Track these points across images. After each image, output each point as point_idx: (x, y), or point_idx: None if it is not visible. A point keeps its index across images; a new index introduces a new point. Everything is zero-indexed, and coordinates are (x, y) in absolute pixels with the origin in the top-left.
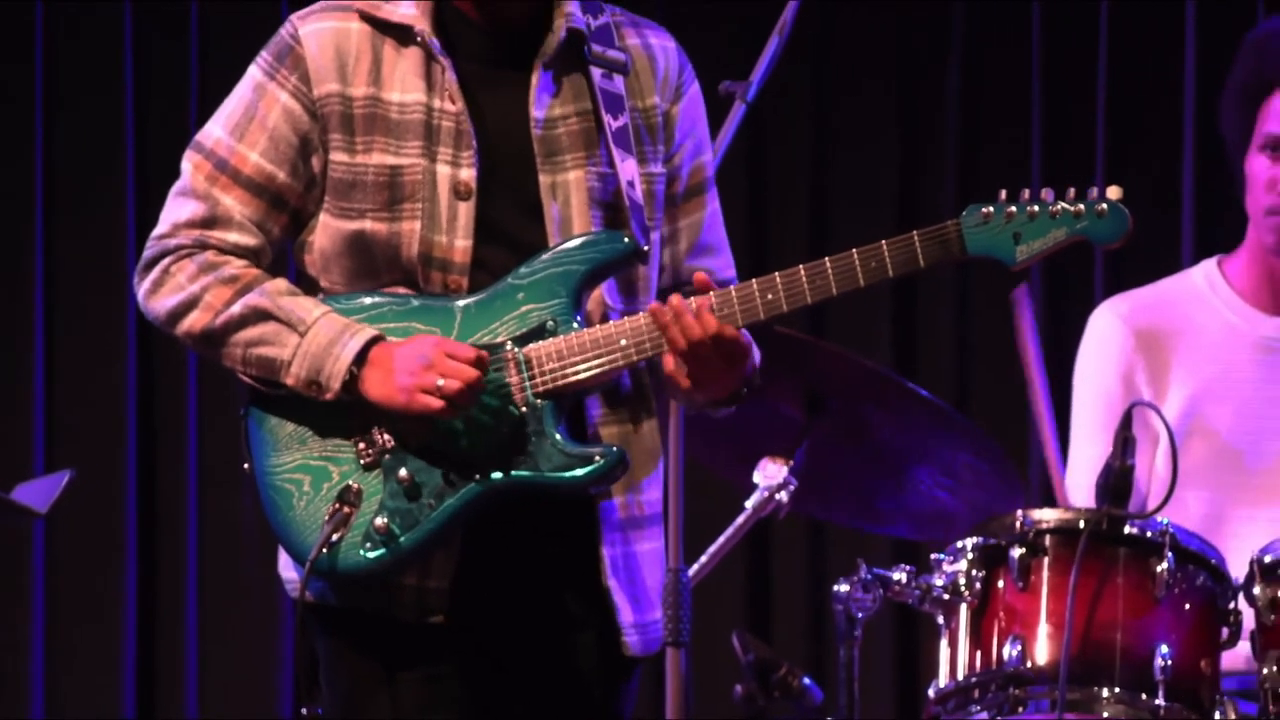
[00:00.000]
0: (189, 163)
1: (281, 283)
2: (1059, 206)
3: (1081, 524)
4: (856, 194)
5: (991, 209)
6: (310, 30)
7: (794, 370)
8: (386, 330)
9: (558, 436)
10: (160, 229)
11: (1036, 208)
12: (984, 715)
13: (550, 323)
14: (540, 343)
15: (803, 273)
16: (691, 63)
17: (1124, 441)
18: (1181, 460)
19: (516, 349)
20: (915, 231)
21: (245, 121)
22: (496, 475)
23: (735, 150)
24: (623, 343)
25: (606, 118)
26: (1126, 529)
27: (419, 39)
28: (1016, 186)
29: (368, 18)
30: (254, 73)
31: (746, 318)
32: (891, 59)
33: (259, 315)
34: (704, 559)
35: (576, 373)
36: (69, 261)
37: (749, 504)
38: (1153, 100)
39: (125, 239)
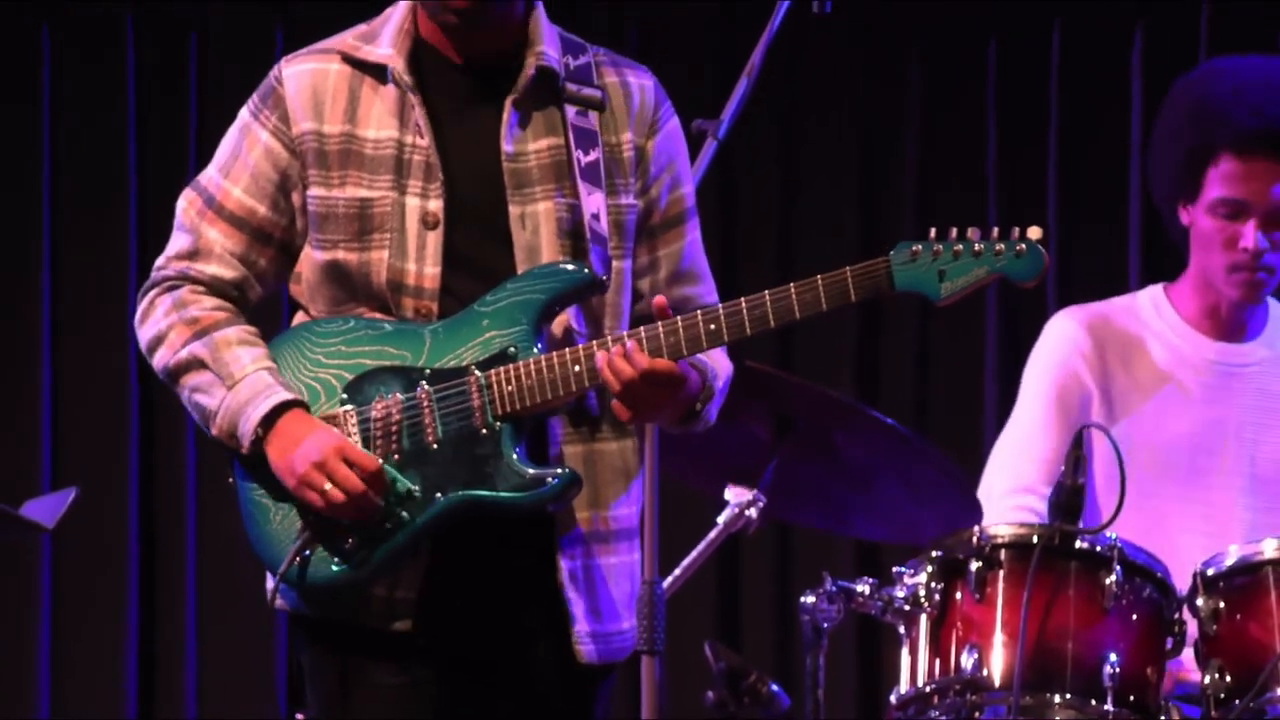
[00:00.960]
0: (184, 199)
1: (235, 332)
2: (981, 246)
3: (1035, 539)
4: (820, 225)
5: (920, 247)
6: (291, 72)
7: (764, 398)
8: (359, 354)
9: (515, 458)
10: (159, 260)
11: (960, 247)
12: (943, 719)
13: (512, 349)
14: (502, 367)
15: (744, 305)
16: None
17: (1075, 461)
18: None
19: (479, 373)
20: (848, 268)
21: (232, 160)
22: (458, 494)
23: (707, 184)
24: (576, 369)
25: (577, 152)
26: (1077, 544)
27: (393, 77)
28: (975, 221)
29: (348, 59)
30: (243, 114)
31: (691, 347)
32: (854, 100)
33: (199, 364)
34: (678, 572)
35: (534, 396)
36: (73, 285)
37: (721, 520)
38: (1100, 140)
39: (128, 265)
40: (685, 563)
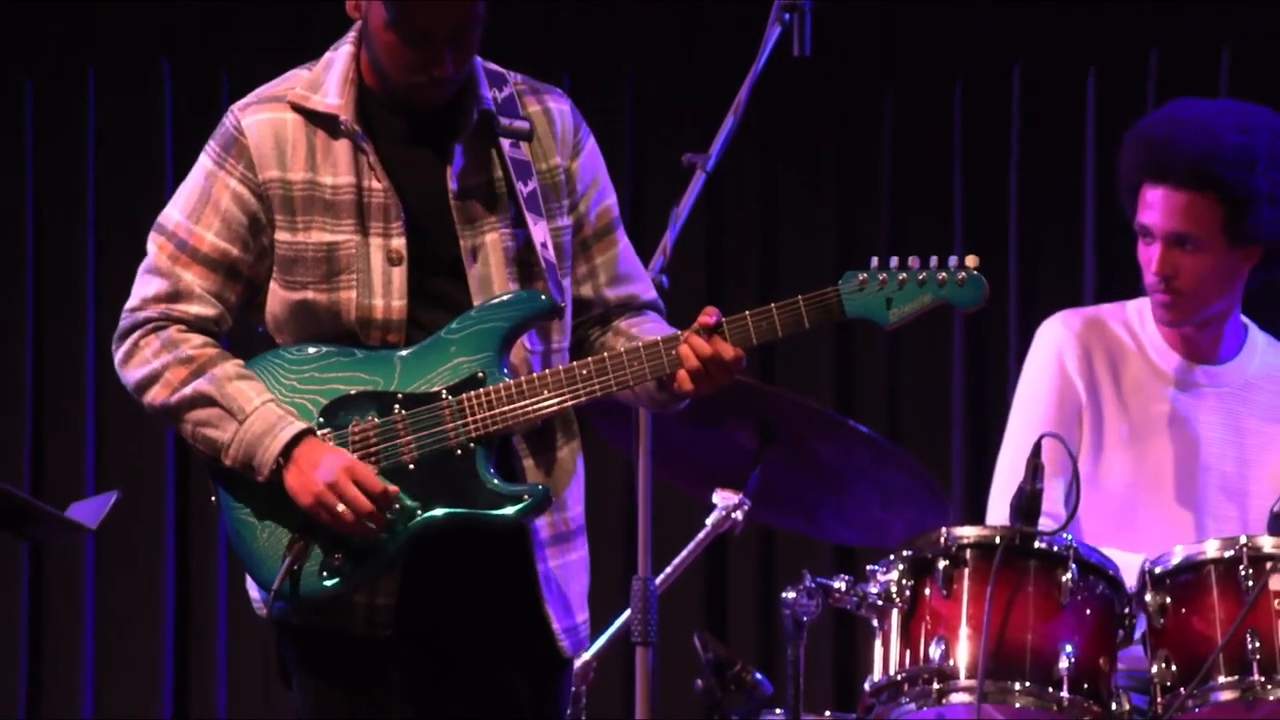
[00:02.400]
0: (153, 244)
1: (230, 367)
2: (924, 274)
3: (997, 540)
4: (800, 251)
5: (865, 275)
6: (251, 121)
7: (748, 409)
8: (332, 380)
9: (490, 475)
10: (131, 303)
11: (905, 275)
12: (912, 706)
13: (480, 373)
14: (472, 392)
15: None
16: (658, 135)
17: (1034, 468)
18: (1104, 475)
19: (451, 398)
20: (800, 296)
21: (201, 205)
22: (437, 511)
23: (696, 212)
24: (545, 393)
25: (518, 184)
26: (1036, 544)
27: (344, 128)
28: (944, 244)
29: (299, 108)
30: (205, 161)
31: (655, 372)
32: (831, 135)
33: (206, 400)
34: (669, 569)
35: (504, 418)
36: (114, 306)
37: (708, 522)
38: (1057, 169)
39: None
40: (676, 561)
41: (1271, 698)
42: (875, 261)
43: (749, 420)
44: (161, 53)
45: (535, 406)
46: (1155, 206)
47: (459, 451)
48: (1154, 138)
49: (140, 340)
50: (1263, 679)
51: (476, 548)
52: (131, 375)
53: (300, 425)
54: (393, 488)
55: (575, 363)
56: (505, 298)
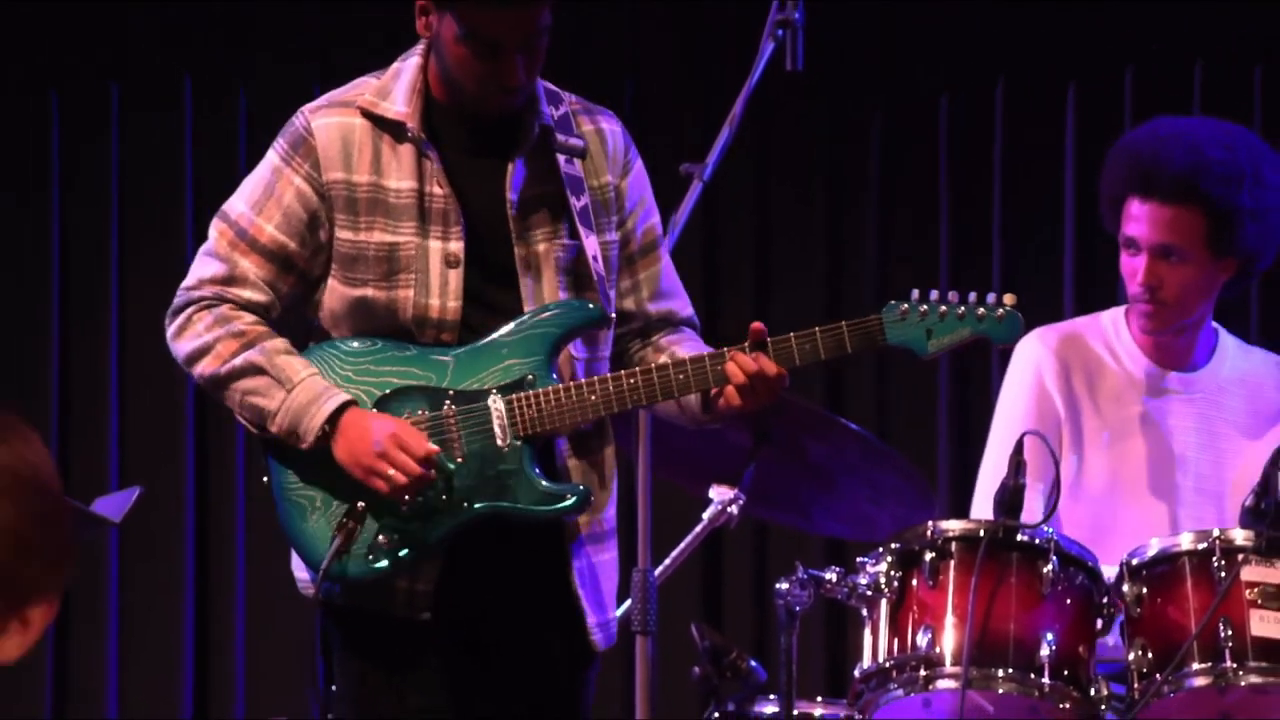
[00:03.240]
0: (215, 230)
1: (280, 342)
2: (963, 309)
3: (981, 533)
4: (792, 257)
5: (907, 306)
6: (320, 124)
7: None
8: (386, 373)
9: (535, 474)
10: (188, 282)
11: (945, 308)
12: (900, 692)
13: (530, 376)
14: (521, 393)
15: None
16: (657, 146)
17: (1016, 464)
18: (1085, 479)
19: (500, 397)
20: (844, 322)
21: (264, 199)
22: (481, 504)
23: (693, 220)
24: (592, 399)
25: (571, 198)
26: (1019, 537)
27: (410, 135)
28: (929, 252)
29: (367, 114)
30: (272, 157)
31: (699, 385)
32: (821, 147)
33: (255, 369)
34: (668, 561)
35: (552, 421)
36: (138, 305)
37: (705, 516)
38: (1038, 181)
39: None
40: (674, 553)
41: (1243, 684)
42: (916, 294)
43: (745, 420)
44: (183, 70)
45: (581, 411)
46: (1142, 220)
47: (505, 449)
48: (1140, 154)
49: (194, 315)
50: (1234, 666)
51: (516, 541)
52: (183, 347)
53: (344, 396)
54: (434, 447)
55: (623, 372)
56: (558, 306)
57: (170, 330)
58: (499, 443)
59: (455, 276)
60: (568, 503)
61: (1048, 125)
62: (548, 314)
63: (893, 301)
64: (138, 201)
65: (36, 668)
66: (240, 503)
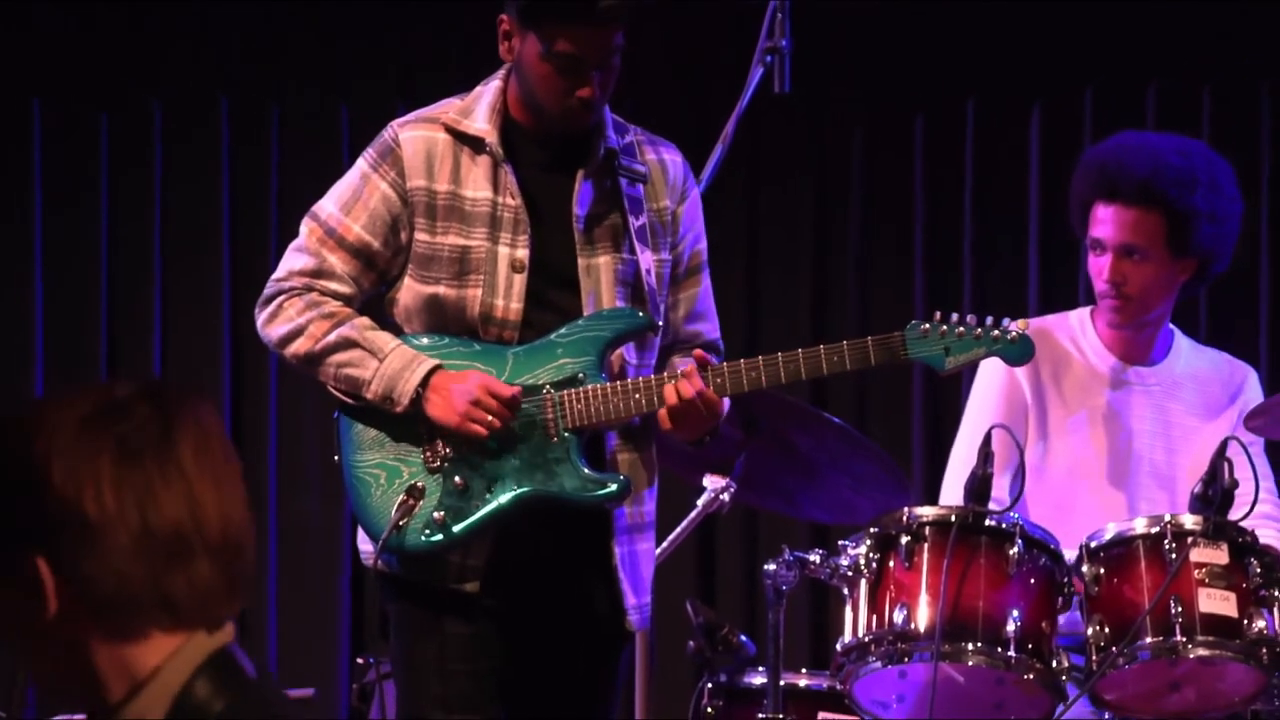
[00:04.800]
0: (305, 227)
1: (366, 320)
2: (980, 330)
3: (953, 518)
4: (780, 264)
5: (928, 326)
6: (407, 136)
7: (734, 403)
8: (454, 365)
9: (580, 463)
10: (278, 274)
11: (963, 329)
12: (878, 664)
13: (581, 374)
14: (572, 389)
15: (780, 360)
16: None
17: (985, 455)
18: (1049, 465)
19: (554, 392)
20: (869, 338)
21: (352, 201)
22: (529, 488)
23: None
24: (637, 396)
25: (630, 218)
26: (987, 522)
27: (488, 149)
28: (905, 258)
29: (451, 130)
30: (362, 165)
31: (734, 389)
32: (807, 162)
33: (348, 343)
34: (665, 544)
35: (599, 415)
36: (179, 310)
37: (699, 503)
38: (1005, 193)
39: (221, 290)
40: (671, 537)
41: (1192, 656)
42: (938, 315)
43: (734, 413)
44: (220, 91)
45: (624, 409)
46: (1107, 222)
47: (555, 439)
48: (1105, 163)
49: (285, 302)
50: (1184, 639)
51: (562, 525)
52: (275, 332)
53: (432, 361)
54: (517, 387)
55: (652, 377)
56: (611, 311)
57: (261, 317)
58: (549, 433)
59: (520, 280)
60: (608, 490)
61: (1014, 141)
62: (600, 318)
63: (914, 321)
64: (178, 213)
65: None
66: (272, 506)
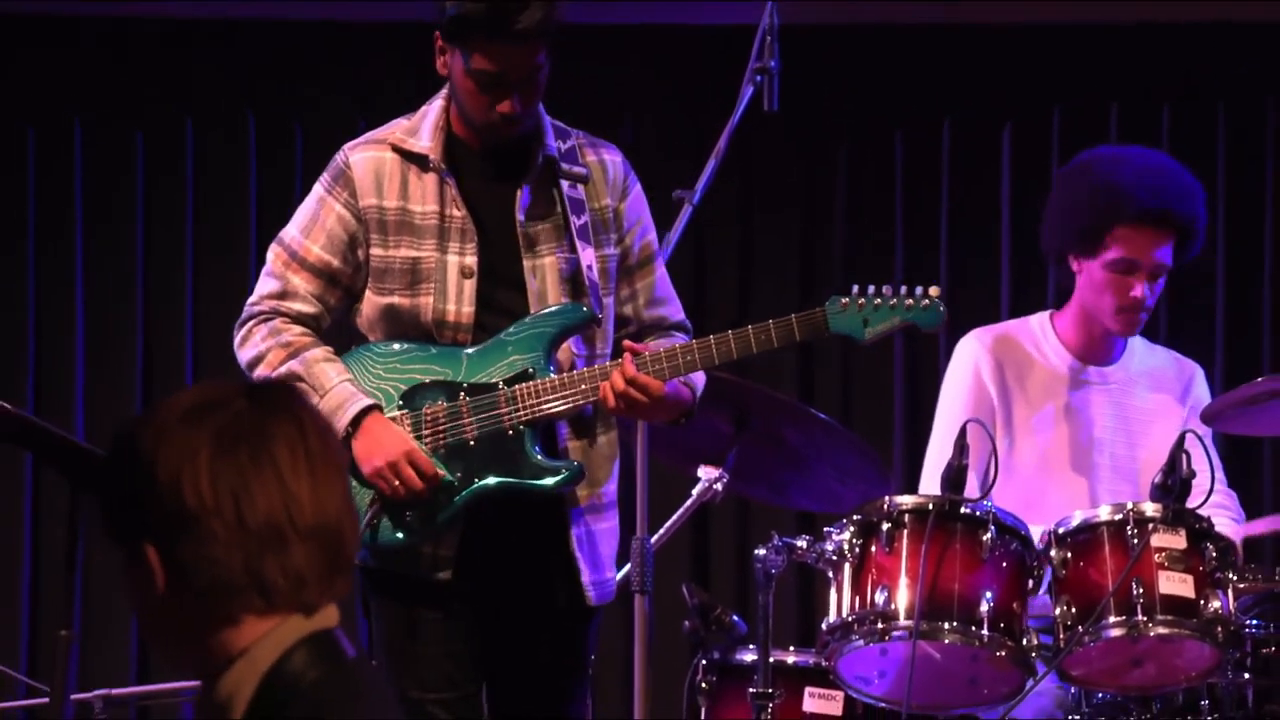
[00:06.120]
0: (272, 253)
1: (319, 352)
2: (895, 300)
3: (930, 506)
4: (770, 271)
5: (847, 300)
6: (357, 159)
7: (726, 400)
8: (412, 370)
9: (534, 452)
10: (251, 298)
11: (879, 300)
12: (860, 642)
13: (530, 369)
14: (523, 384)
15: (712, 341)
16: (651, 173)
17: (960, 447)
18: (1016, 460)
19: (507, 388)
20: (793, 315)
21: (311, 224)
22: (491, 480)
23: (684, 240)
24: (583, 386)
25: (572, 218)
26: (962, 510)
27: (432, 166)
28: (887, 265)
29: (398, 149)
30: (318, 189)
31: (672, 372)
32: (794, 177)
33: (295, 378)
34: (662, 530)
35: (551, 406)
36: (208, 315)
37: (694, 492)
38: (979, 205)
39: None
40: (668, 524)
41: (1152, 634)
42: (856, 288)
43: (727, 409)
44: (246, 106)
45: (572, 399)
46: (1138, 244)
47: (510, 432)
48: (1121, 187)
49: (253, 328)
50: (1145, 619)
51: (525, 511)
52: (244, 355)
53: (367, 401)
54: (441, 471)
55: (596, 367)
56: (553, 308)
57: (236, 340)
58: (504, 426)
59: (469, 286)
60: (561, 476)
61: (988, 159)
62: (544, 315)
63: (834, 295)
64: (208, 223)
65: (118, 636)
66: None
